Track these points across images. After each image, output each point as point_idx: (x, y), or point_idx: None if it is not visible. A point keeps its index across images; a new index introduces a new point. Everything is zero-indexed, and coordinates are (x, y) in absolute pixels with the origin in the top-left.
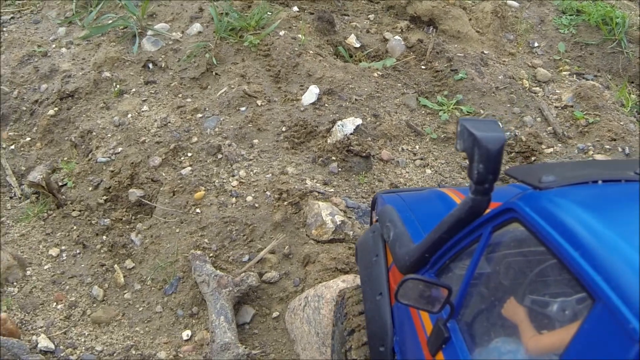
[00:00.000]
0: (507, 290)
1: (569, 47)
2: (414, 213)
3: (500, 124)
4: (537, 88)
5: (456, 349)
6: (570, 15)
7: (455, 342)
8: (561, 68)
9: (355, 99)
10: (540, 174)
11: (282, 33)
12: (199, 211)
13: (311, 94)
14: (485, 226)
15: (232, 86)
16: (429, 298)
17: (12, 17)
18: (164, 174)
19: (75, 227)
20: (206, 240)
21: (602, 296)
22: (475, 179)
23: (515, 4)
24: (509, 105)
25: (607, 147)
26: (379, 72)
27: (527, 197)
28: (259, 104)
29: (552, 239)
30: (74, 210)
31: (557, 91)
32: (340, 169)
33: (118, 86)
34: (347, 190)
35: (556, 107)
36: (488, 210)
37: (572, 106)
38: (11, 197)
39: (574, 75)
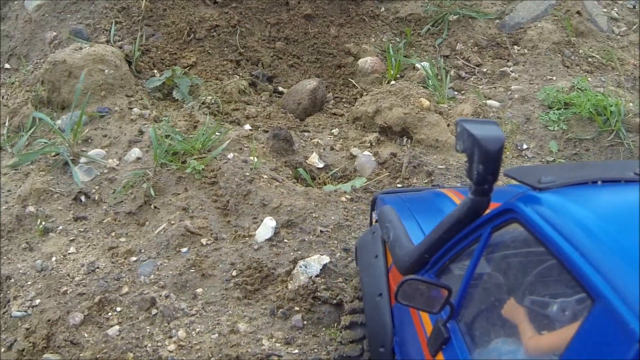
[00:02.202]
0: (507, 290)
1: (562, 145)
2: (413, 214)
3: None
4: None
5: (456, 350)
6: (558, 109)
7: (455, 342)
8: None
9: (321, 231)
10: (539, 175)
11: (230, 156)
12: None
13: (266, 228)
14: (485, 227)
15: (173, 222)
16: (429, 298)
17: None
18: (85, 335)
19: None
20: None
21: (601, 297)
22: (475, 180)
23: (496, 103)
24: None
25: None
26: (347, 196)
27: (527, 197)
28: (204, 242)
29: (551, 239)
30: None
31: None
32: (305, 322)
33: (43, 223)
34: (315, 350)
35: None
36: (488, 211)
37: None
38: None
39: None
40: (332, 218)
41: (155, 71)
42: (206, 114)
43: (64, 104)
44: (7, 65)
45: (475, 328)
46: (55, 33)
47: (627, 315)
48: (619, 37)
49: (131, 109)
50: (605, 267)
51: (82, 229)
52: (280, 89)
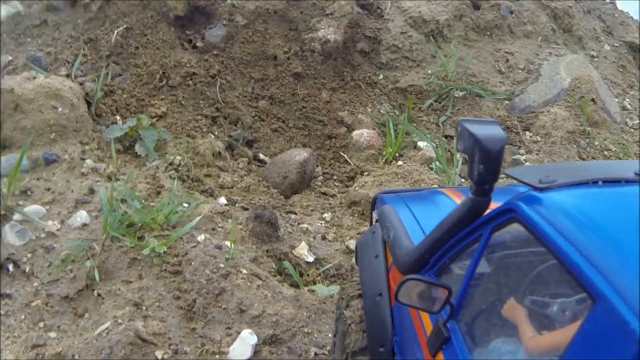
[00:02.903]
0: (507, 290)
1: None
2: (414, 213)
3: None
4: None
5: (456, 350)
6: None
7: (455, 342)
8: None
9: (315, 354)
10: (540, 175)
11: (201, 238)
12: None
13: (244, 344)
14: (485, 227)
15: (120, 321)
16: (429, 298)
17: None
18: None
19: None
20: None
21: (602, 297)
22: (476, 180)
23: None
24: None
25: None
26: None
27: (527, 197)
28: (159, 357)
29: (552, 239)
30: None
31: None
32: None
33: None
34: None
35: None
36: (488, 211)
37: None
38: None
39: None
40: (330, 336)
41: (118, 117)
42: (173, 178)
43: (4, 143)
44: None
45: (475, 328)
46: (10, 57)
47: (628, 315)
48: (632, 129)
49: (84, 159)
50: (606, 267)
51: (3, 311)
52: (261, 156)
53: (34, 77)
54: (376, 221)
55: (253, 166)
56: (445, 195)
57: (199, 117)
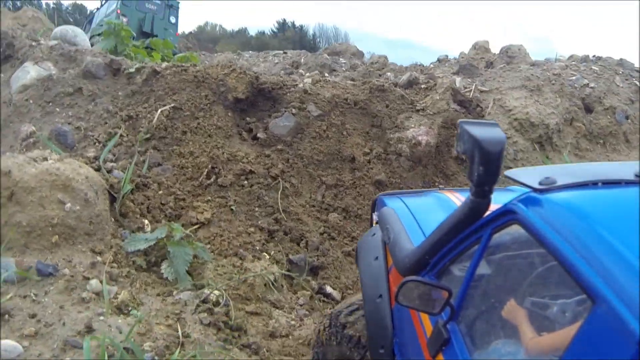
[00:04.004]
0: (507, 292)
1: None
2: (414, 215)
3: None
4: None
5: (456, 351)
6: None
7: (455, 343)
8: None
9: None
10: (540, 176)
11: None
12: None
13: None
14: (485, 228)
15: None
16: (429, 300)
17: None
18: None
19: None
20: None
21: (601, 298)
22: (476, 181)
23: None
24: None
25: None
26: None
27: (527, 199)
28: None
29: (551, 241)
30: None
31: None
32: None
33: None
34: None
35: None
36: (488, 212)
37: None
38: None
39: None
40: None
41: (146, 221)
42: (205, 325)
43: None
44: None
45: (475, 329)
46: (33, 128)
47: (627, 316)
48: None
49: (88, 278)
50: (605, 269)
51: None
52: (328, 289)
53: (45, 159)
54: (376, 223)
55: (317, 302)
56: (445, 197)
57: (252, 229)
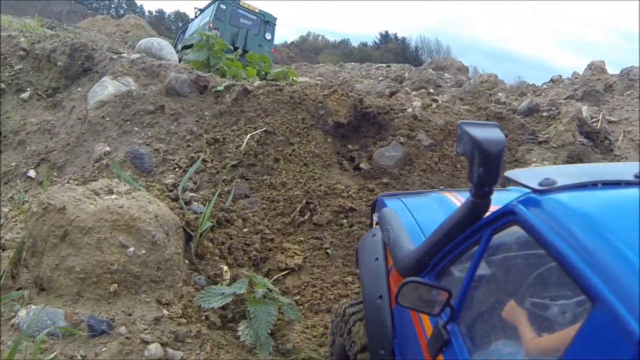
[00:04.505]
0: (507, 292)
1: None
2: (414, 216)
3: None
4: None
5: (456, 352)
6: None
7: (456, 344)
8: None
9: None
10: (540, 177)
11: None
12: None
13: None
14: (485, 229)
15: None
16: (429, 301)
17: None
18: None
19: None
20: None
21: (601, 299)
22: (476, 182)
23: None
24: None
25: None
26: None
27: (527, 200)
28: None
29: (551, 241)
30: None
31: None
32: None
33: None
34: None
35: None
36: (488, 213)
37: None
38: None
39: None
40: None
41: (225, 268)
42: None
43: (42, 284)
44: (31, 173)
45: (475, 330)
46: (108, 148)
47: (627, 317)
48: None
49: (147, 343)
50: (605, 269)
51: None
52: None
53: (110, 191)
54: (376, 224)
55: None
56: (445, 198)
57: (350, 278)
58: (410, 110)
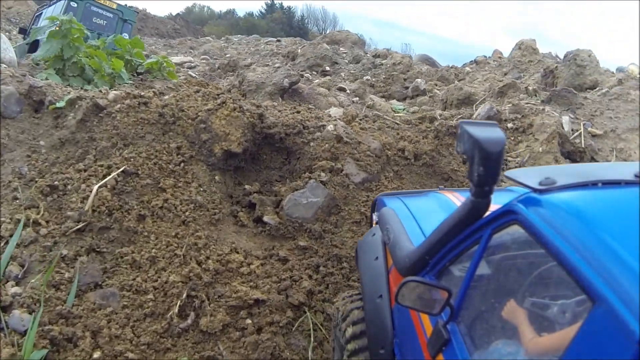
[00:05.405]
0: (507, 292)
1: None
2: (414, 215)
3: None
4: None
5: (456, 351)
6: None
7: (456, 344)
8: None
9: None
10: (540, 177)
11: None
12: None
13: None
14: (485, 228)
15: None
16: (429, 300)
17: None
18: None
19: None
20: None
21: (601, 298)
22: (476, 181)
23: None
24: None
25: None
26: None
27: (527, 199)
28: None
29: (551, 241)
30: None
31: None
32: None
33: None
34: None
35: None
36: (488, 213)
37: None
38: None
39: None
40: None
41: None
42: None
43: None
44: None
45: (475, 330)
46: None
47: (627, 317)
48: None
49: None
50: (605, 269)
51: None
52: None
53: None
54: (376, 223)
55: None
56: (445, 197)
57: None
58: (330, 127)
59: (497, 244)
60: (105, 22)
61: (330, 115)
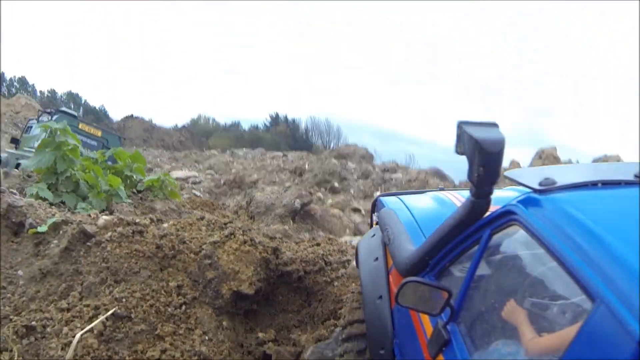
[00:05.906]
0: (507, 292)
1: None
2: (414, 216)
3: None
4: None
5: (456, 352)
6: None
7: (456, 344)
8: None
9: None
10: (540, 177)
11: None
12: None
13: None
14: (485, 229)
15: None
16: (429, 301)
17: None
18: None
19: None
20: None
21: (601, 298)
22: (476, 182)
23: None
24: None
25: None
26: None
27: (527, 199)
28: None
29: (551, 241)
30: None
31: None
32: None
33: None
34: None
35: None
36: (488, 213)
37: None
38: None
39: None
40: None
41: None
42: None
43: None
44: None
45: (475, 330)
46: None
47: (627, 316)
48: None
49: None
50: (605, 269)
51: None
52: None
53: None
54: (376, 224)
55: None
56: (445, 198)
57: None
58: (354, 262)
59: (497, 244)
60: (95, 143)
61: (353, 247)
